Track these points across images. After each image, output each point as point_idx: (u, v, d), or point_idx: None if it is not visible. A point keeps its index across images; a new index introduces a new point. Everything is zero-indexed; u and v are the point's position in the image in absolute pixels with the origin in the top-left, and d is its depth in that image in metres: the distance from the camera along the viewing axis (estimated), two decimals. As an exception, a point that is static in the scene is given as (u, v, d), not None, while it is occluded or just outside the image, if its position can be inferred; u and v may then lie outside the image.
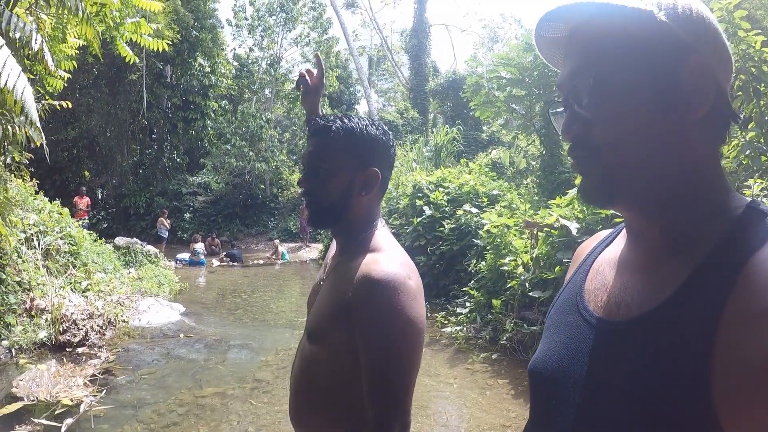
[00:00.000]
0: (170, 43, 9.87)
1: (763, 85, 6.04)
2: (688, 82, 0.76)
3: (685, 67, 0.76)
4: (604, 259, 0.96)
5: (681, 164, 0.79)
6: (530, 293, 6.65)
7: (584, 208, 6.65)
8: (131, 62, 8.44)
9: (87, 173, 25.58)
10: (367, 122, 1.55)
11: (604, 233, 1.08)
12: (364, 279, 1.34)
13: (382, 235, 1.53)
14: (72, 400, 5.40)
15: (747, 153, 5.93)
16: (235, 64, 29.25)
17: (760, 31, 6.26)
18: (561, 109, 0.89)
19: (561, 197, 7.49)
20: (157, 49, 8.29)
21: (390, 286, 1.32)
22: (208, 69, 25.86)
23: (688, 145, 0.78)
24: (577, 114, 0.82)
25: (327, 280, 1.56)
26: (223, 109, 27.31)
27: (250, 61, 29.39)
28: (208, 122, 26.09)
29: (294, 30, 29.80)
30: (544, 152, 13.85)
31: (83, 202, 17.75)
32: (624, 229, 0.96)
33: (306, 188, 1.55)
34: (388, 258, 1.41)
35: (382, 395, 1.31)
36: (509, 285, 7.23)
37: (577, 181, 0.91)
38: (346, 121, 1.53)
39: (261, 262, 17.92)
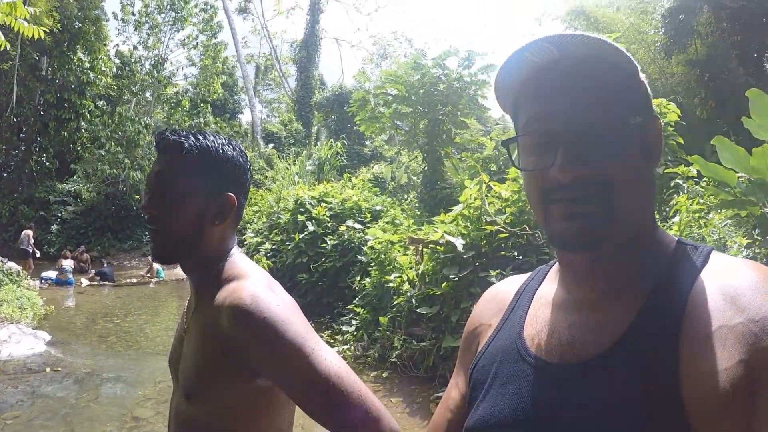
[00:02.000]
0: (49, 31, 9.00)
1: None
2: (655, 137, 0.86)
3: (655, 123, 0.87)
4: (540, 302, 0.96)
5: (651, 206, 0.88)
6: (417, 309, 6.62)
7: (468, 225, 6.73)
8: (2, 48, 7.48)
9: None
10: (224, 141, 1.38)
11: (516, 278, 1.11)
12: (236, 311, 1.19)
13: (239, 261, 1.38)
14: None
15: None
16: (117, 61, 27.68)
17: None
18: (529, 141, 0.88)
19: (445, 213, 7.56)
20: (34, 36, 7.30)
21: (265, 303, 1.19)
22: (87, 64, 24.16)
23: (650, 193, 0.87)
24: (584, 153, 0.81)
25: (191, 329, 1.37)
26: (100, 110, 25.36)
27: (132, 60, 27.88)
28: (83, 123, 24.32)
29: (182, 31, 28.68)
30: (426, 168, 14.09)
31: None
32: (549, 271, 1.02)
33: (151, 215, 1.33)
34: (252, 282, 1.27)
35: (339, 411, 1.14)
36: (395, 301, 7.17)
37: (561, 224, 0.84)
38: (200, 138, 1.35)
39: (135, 280, 17.02)
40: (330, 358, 1.17)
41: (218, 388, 1.25)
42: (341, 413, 1.14)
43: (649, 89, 0.88)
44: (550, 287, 0.96)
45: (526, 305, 0.98)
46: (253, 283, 1.26)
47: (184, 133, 1.35)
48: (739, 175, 7.49)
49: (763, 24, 19.28)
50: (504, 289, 1.09)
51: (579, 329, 0.84)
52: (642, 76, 0.86)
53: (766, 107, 7.09)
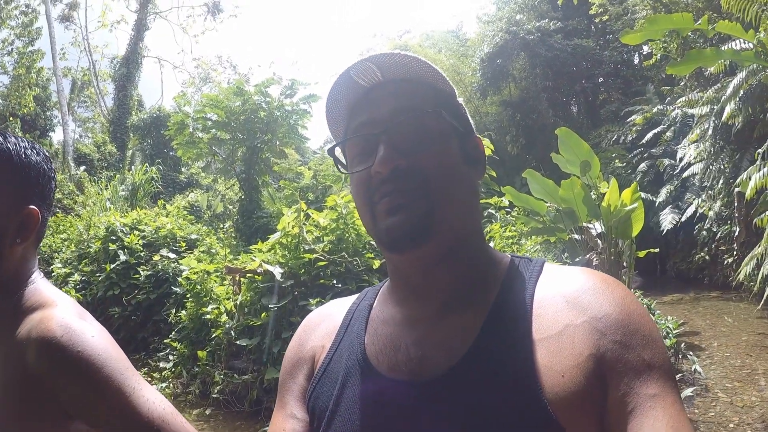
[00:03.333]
0: None
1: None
2: (474, 153, 0.93)
3: (473, 141, 0.94)
4: (377, 320, 0.94)
5: (475, 217, 0.92)
6: (237, 341, 6.44)
7: (287, 253, 6.73)
8: None
9: None
10: (26, 144, 1.19)
11: (341, 300, 1.09)
12: (44, 344, 1.03)
13: (43, 287, 1.20)
14: None
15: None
16: None
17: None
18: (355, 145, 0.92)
19: (262, 242, 7.50)
20: None
21: (78, 334, 1.05)
22: None
23: (476, 202, 0.93)
24: (402, 146, 0.85)
25: None
26: None
27: None
28: None
29: None
30: (243, 197, 13.94)
31: None
32: (380, 290, 1.01)
33: None
34: (61, 310, 1.11)
35: None
36: (214, 334, 6.92)
37: (386, 221, 0.85)
38: (0, 140, 1.15)
39: None
40: (153, 398, 1.07)
41: None
42: None
43: (466, 113, 0.95)
44: (385, 305, 0.96)
45: (363, 324, 0.96)
46: (61, 312, 1.10)
47: None
48: (548, 204, 8.26)
49: (572, 72, 21.57)
50: (330, 311, 1.07)
51: (426, 345, 0.83)
52: (460, 99, 0.94)
53: (573, 144, 7.92)
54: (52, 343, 1.03)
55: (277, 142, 13.72)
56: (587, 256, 8.14)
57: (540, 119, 18.75)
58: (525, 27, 20.23)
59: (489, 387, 0.75)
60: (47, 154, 1.24)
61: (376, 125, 0.87)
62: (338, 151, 0.99)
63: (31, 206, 1.17)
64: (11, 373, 1.07)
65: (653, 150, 16.75)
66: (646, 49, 18.81)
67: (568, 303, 0.79)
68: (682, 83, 16.36)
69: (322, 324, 1.04)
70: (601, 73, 22.36)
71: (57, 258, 12.75)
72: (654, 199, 15.24)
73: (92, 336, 1.07)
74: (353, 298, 1.07)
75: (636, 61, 22.29)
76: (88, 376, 1.03)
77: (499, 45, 20.21)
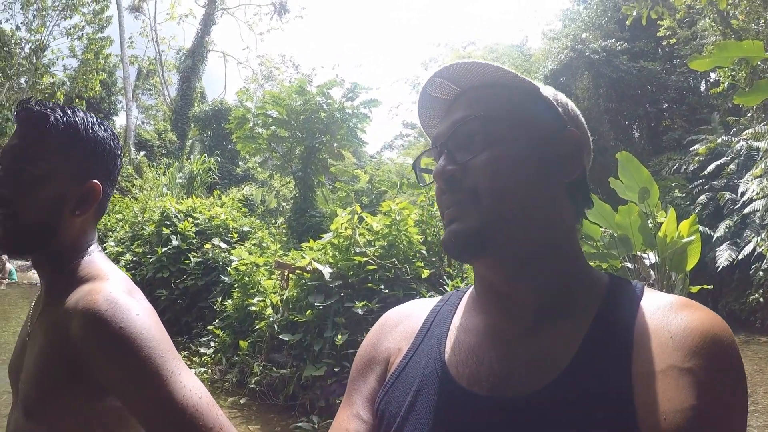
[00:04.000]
0: None
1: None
2: (565, 148, 0.86)
3: (564, 135, 0.87)
4: (460, 329, 0.90)
5: (552, 227, 0.85)
6: (279, 335, 6.53)
7: (337, 254, 6.78)
8: None
9: None
10: (95, 120, 1.23)
11: (422, 302, 1.03)
12: (88, 316, 1.05)
13: (99, 260, 1.23)
14: None
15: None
16: None
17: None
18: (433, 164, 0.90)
19: (314, 240, 7.57)
20: None
21: (123, 310, 1.05)
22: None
23: (558, 209, 0.85)
24: (454, 156, 0.83)
25: (35, 334, 1.19)
26: None
27: (13, 42, 25.32)
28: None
29: (70, 19, 26.32)
30: (297, 195, 14.09)
31: None
32: (464, 297, 0.96)
33: (2, 196, 1.15)
34: (111, 284, 1.13)
35: None
36: (257, 326, 7.03)
37: (446, 231, 0.84)
38: (68, 113, 1.19)
39: (-16, 281, 15.44)
40: (191, 385, 1.04)
41: (62, 406, 1.09)
42: None
43: (559, 106, 0.89)
44: (469, 312, 0.91)
45: (444, 331, 0.91)
46: (111, 286, 1.12)
47: (51, 105, 1.19)
48: (603, 230, 8.10)
49: (637, 95, 21.11)
50: (410, 312, 1.01)
51: (512, 362, 0.79)
52: (548, 92, 0.89)
53: (634, 170, 7.74)
54: (96, 315, 1.04)
55: (335, 144, 13.83)
56: (639, 286, 7.93)
57: (600, 141, 18.38)
58: (591, 46, 19.89)
59: (581, 414, 0.71)
60: (114, 132, 1.28)
61: (441, 137, 0.87)
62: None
63: (94, 180, 1.21)
64: (54, 340, 1.10)
65: (715, 182, 16.21)
66: (713, 76, 18.28)
67: (674, 341, 0.73)
68: (749, 114, 15.83)
69: (401, 325, 1.00)
70: (665, 98, 21.80)
71: (111, 237, 13.15)
72: (712, 233, 14.73)
73: (137, 314, 1.07)
74: (435, 300, 1.02)
75: (702, 88, 21.67)
76: (127, 354, 1.02)
77: (564, 62, 19.92)
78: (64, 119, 1.18)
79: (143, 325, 1.06)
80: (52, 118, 1.17)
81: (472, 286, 0.96)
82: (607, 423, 0.69)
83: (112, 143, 1.25)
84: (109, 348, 1.03)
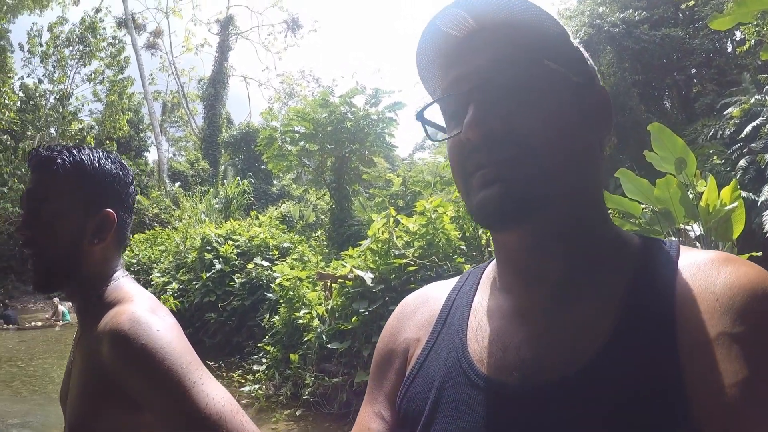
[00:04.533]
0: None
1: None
2: (596, 106, 0.78)
3: (594, 91, 0.79)
4: (480, 312, 0.82)
5: (595, 184, 0.78)
6: (328, 345, 6.59)
7: (377, 258, 6.81)
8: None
9: None
10: (101, 155, 1.32)
11: (441, 283, 0.96)
12: (114, 336, 1.11)
13: (125, 284, 1.30)
14: None
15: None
16: (21, 95, 25.91)
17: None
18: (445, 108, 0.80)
19: (353, 248, 7.62)
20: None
21: (144, 327, 1.11)
22: (-10, 98, 22.49)
23: (598, 166, 0.78)
24: (497, 106, 0.72)
25: (76, 361, 1.27)
26: (3, 145, 23.54)
27: (37, 94, 26.28)
28: (-16, 160, 22.60)
29: (89, 65, 27.32)
30: (333, 206, 14.17)
31: None
32: (483, 275, 0.89)
33: (27, 237, 1.25)
34: (135, 305, 1.19)
35: None
36: (306, 338, 7.11)
37: (479, 194, 0.73)
38: (74, 152, 1.28)
39: (40, 323, 16.37)
40: (214, 394, 1.08)
41: (103, 424, 1.15)
42: None
43: (587, 58, 0.80)
44: (489, 293, 0.84)
45: (465, 315, 0.84)
46: (134, 306, 1.18)
47: (58, 148, 1.29)
48: (643, 206, 7.92)
49: (663, 64, 20.69)
50: (428, 297, 0.93)
51: (539, 344, 0.72)
52: (575, 41, 0.77)
53: (667, 140, 7.54)
54: (120, 335, 1.10)
55: (366, 151, 13.86)
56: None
57: (632, 116, 18.00)
58: (609, 19, 19.56)
59: (624, 395, 0.64)
60: (123, 162, 1.37)
61: (471, 79, 0.74)
62: (432, 113, 0.83)
63: (108, 209, 1.29)
64: (90, 363, 1.18)
65: (753, 144, 15.75)
66: (738, 34, 17.77)
67: (721, 304, 0.65)
68: (781, 69, 15.34)
69: (418, 312, 0.92)
70: (692, 63, 21.25)
71: (156, 268, 13.44)
72: (756, 198, 14.29)
73: (158, 330, 1.12)
74: (454, 281, 0.93)
75: (729, 48, 21.09)
76: (149, 367, 1.07)
77: (584, 40, 19.58)
78: (71, 158, 1.27)
79: (164, 339, 1.11)
80: (59, 160, 1.26)
81: (492, 262, 0.89)
82: (654, 402, 0.63)
83: (121, 173, 1.33)
84: (133, 363, 1.09)
